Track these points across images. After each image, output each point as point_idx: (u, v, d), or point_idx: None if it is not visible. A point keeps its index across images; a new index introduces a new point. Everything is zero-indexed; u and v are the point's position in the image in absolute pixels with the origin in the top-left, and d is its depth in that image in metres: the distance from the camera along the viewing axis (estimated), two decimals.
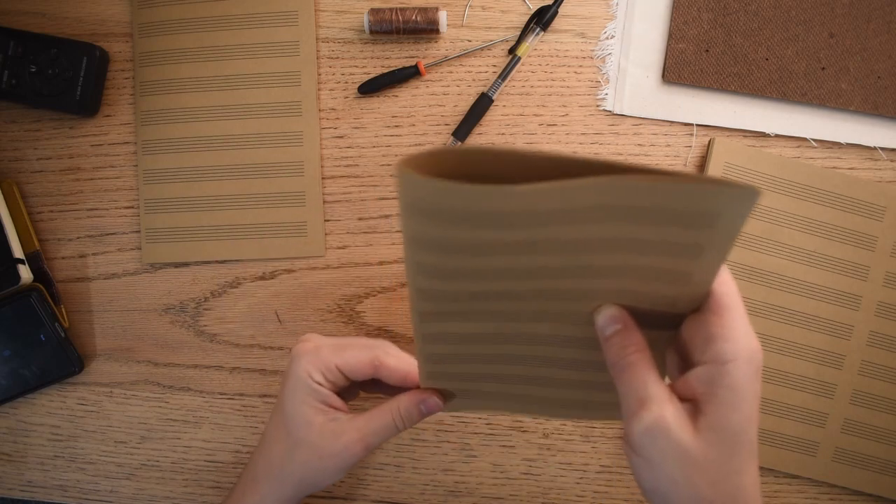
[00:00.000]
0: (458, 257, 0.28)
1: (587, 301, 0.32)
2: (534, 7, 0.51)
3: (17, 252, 0.51)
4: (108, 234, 0.54)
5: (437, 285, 0.30)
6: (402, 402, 0.41)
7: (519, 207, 0.26)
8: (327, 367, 0.41)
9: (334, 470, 0.42)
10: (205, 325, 0.54)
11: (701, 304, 0.32)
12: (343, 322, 0.53)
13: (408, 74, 0.51)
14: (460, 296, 0.31)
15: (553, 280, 0.30)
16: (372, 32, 0.51)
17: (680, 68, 0.51)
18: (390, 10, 0.50)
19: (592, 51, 0.52)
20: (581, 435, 0.53)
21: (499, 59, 0.52)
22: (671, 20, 0.51)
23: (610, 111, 0.52)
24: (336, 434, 0.41)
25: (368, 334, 0.53)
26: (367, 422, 0.41)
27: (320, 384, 0.41)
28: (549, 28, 0.51)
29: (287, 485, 0.42)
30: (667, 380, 0.34)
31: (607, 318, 0.32)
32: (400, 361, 0.42)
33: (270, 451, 0.43)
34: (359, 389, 0.46)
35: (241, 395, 0.54)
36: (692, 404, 0.31)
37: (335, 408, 0.42)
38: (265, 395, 0.54)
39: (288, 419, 0.42)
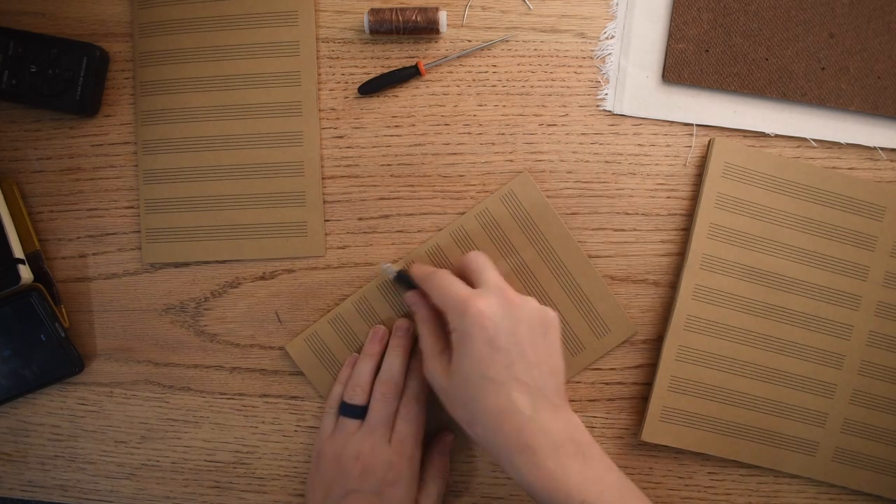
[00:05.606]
0: None
1: None
2: (534, 7, 0.52)
3: (18, 252, 0.51)
4: (108, 234, 0.54)
5: None
6: (437, 463, 0.50)
7: None
8: None
9: None
10: (205, 325, 0.54)
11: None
12: None
13: (408, 74, 0.51)
14: None
15: None
16: (372, 32, 0.51)
17: (680, 68, 0.51)
18: (390, 10, 0.50)
19: (592, 51, 0.52)
20: None
21: (499, 58, 0.52)
22: (671, 20, 0.51)
23: (610, 111, 0.52)
24: None
25: None
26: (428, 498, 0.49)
27: None
28: (550, 28, 0.51)
29: None
30: None
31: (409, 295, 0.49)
32: None
33: None
34: None
35: (241, 395, 0.54)
36: (450, 355, 0.44)
37: None
38: (265, 395, 0.54)
39: None
